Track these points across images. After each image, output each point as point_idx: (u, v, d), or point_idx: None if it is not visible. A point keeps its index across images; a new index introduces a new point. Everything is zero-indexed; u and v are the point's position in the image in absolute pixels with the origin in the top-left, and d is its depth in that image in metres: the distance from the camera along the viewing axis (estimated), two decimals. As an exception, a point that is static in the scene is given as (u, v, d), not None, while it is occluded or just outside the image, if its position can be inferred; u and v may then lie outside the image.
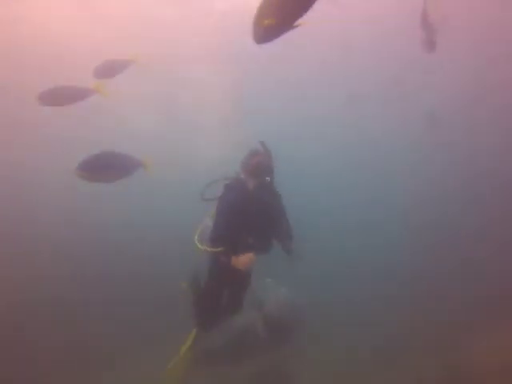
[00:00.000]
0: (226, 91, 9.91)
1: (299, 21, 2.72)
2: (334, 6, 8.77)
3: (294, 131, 10.56)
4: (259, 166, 3.84)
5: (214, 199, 3.96)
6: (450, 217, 9.23)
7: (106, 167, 4.14)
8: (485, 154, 10.19)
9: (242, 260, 3.59)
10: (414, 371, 4.57)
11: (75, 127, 9.17)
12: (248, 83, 10.04)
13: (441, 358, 4.73)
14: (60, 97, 5.03)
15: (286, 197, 4.05)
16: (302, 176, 9.74)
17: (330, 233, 9.06)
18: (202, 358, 4.86)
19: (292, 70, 11.08)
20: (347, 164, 10.89)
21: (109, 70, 6.08)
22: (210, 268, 4.09)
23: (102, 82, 5.52)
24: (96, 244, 7.96)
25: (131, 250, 7.69)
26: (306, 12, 2.71)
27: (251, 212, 3.80)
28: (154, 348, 5.14)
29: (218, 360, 5.26)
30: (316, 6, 2.65)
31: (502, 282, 6.30)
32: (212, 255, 3.90)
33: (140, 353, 5.26)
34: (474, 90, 10.31)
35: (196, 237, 3.91)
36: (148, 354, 5.11)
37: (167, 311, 5.36)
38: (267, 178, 3.87)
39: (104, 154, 4.14)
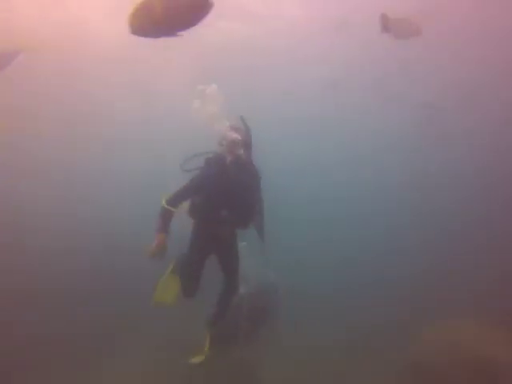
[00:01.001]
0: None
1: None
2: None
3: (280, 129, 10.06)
4: (235, 141, 3.88)
5: (192, 170, 4.01)
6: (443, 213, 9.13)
7: None
8: (482, 149, 9.93)
9: (152, 246, 3.72)
10: (387, 358, 4.48)
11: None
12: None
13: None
14: None
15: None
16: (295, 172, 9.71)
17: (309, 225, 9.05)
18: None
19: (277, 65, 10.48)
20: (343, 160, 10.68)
21: None
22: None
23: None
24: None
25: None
26: (188, 27, 2.79)
27: (225, 187, 3.87)
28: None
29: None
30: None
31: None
32: (193, 227, 4.13)
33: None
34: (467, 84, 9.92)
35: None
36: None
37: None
38: (242, 154, 3.89)
39: None
